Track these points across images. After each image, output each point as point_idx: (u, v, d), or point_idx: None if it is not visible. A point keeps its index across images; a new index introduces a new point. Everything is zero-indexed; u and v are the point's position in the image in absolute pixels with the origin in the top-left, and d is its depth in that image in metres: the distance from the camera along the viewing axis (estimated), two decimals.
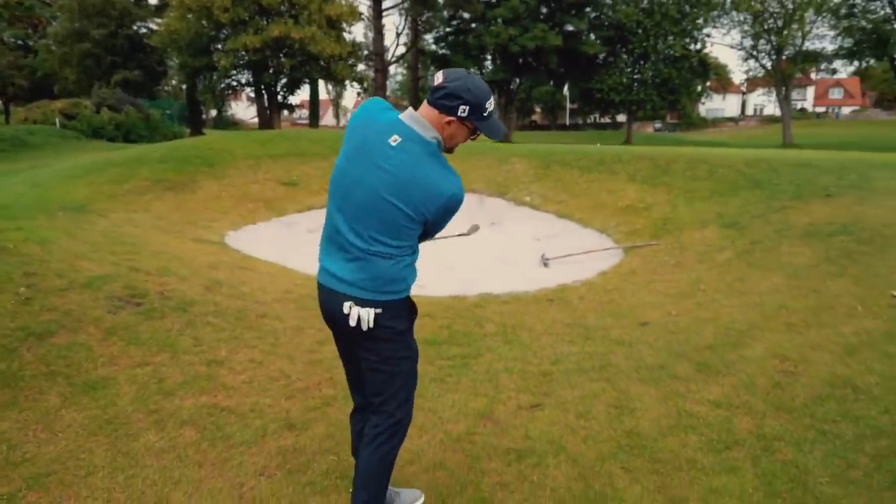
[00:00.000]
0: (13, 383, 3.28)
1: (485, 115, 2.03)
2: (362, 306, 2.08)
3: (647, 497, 2.69)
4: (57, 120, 23.06)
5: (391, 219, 2.02)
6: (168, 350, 3.84)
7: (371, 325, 2.09)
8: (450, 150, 2.15)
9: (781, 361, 3.87)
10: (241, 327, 4.41)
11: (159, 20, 34.68)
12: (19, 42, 37.93)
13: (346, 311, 2.11)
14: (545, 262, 7.95)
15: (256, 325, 4.52)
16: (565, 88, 37.40)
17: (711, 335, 4.47)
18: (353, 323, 2.11)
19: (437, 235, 2.29)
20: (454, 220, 2.22)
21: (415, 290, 2.92)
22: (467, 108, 2.00)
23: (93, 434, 3.02)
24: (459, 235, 3.79)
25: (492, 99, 2.06)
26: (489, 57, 40.26)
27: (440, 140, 2.07)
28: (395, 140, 2.02)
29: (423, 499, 2.65)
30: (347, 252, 2.10)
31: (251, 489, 2.72)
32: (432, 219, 2.06)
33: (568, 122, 50.66)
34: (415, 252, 2.17)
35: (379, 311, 2.09)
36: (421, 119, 2.05)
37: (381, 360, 2.19)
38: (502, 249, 8.66)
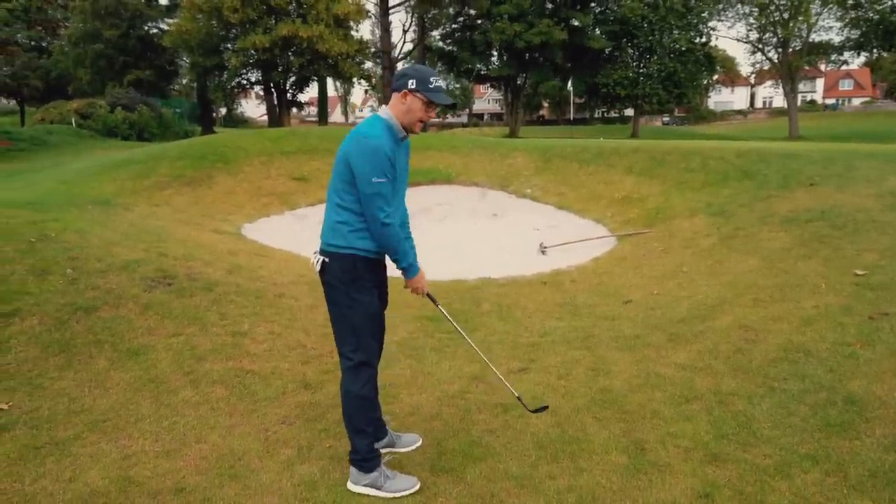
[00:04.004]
0: (67, 350, 3.79)
1: (430, 86, 2.51)
2: (320, 254, 2.65)
3: (613, 440, 3.15)
4: (73, 120, 23.68)
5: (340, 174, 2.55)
6: (198, 323, 4.35)
7: (318, 268, 2.64)
8: (412, 130, 2.60)
9: (745, 331, 4.30)
10: (261, 305, 4.90)
11: (170, 20, 35.32)
12: (33, 43, 38.57)
13: None
14: (543, 251, 8.39)
15: (274, 303, 5.01)
16: (569, 83, 37.55)
17: (686, 310, 4.91)
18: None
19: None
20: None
21: None
22: (414, 80, 2.51)
23: (138, 390, 3.53)
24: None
25: (438, 77, 2.56)
26: (495, 53, 40.62)
27: (391, 119, 2.55)
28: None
29: (420, 441, 3.14)
30: None
31: (275, 433, 3.21)
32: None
33: (574, 117, 50.88)
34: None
35: (326, 260, 2.60)
36: (384, 107, 2.60)
37: (330, 302, 2.69)
38: (503, 239, 9.09)
